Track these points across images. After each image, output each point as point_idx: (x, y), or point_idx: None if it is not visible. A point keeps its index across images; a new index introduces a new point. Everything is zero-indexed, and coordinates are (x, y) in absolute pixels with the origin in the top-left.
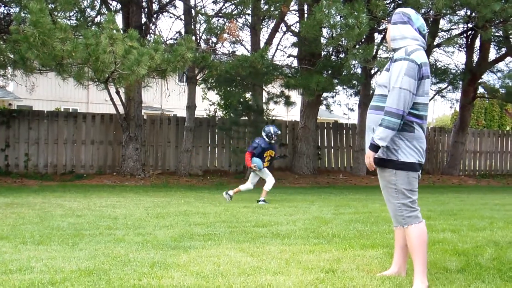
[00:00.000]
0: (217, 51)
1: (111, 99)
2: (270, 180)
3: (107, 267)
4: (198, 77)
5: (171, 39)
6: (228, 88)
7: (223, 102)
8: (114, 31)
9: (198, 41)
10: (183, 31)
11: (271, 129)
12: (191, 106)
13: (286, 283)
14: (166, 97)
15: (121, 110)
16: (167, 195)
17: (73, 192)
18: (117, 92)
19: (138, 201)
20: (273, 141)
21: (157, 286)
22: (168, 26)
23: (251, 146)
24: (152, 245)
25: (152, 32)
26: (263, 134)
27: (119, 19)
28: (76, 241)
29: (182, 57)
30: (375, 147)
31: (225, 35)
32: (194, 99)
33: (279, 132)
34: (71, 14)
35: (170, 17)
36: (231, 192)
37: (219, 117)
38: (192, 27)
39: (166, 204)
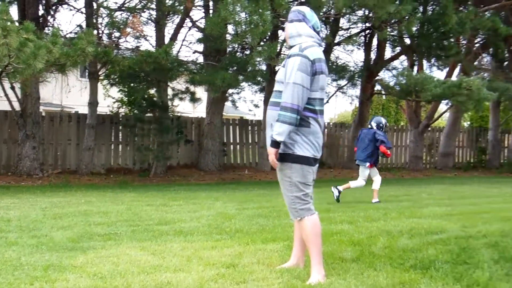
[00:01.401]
0: (120, 46)
1: (6, 95)
2: (378, 179)
3: None
4: (100, 73)
5: (71, 32)
6: (132, 84)
7: (126, 98)
8: (8, 23)
9: (100, 35)
10: (84, 25)
11: (383, 120)
12: (93, 103)
13: (186, 280)
14: (66, 93)
15: (17, 106)
16: (66, 195)
17: None
18: (12, 88)
19: (34, 202)
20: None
21: None
22: (68, 19)
23: (386, 139)
24: (48, 248)
25: (51, 25)
26: (374, 125)
27: (14, 10)
28: None
29: (83, 51)
30: (275, 143)
31: (129, 30)
32: (96, 95)
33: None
34: None
35: (70, 9)
36: (341, 188)
37: (123, 113)
38: (94, 20)
39: (65, 204)
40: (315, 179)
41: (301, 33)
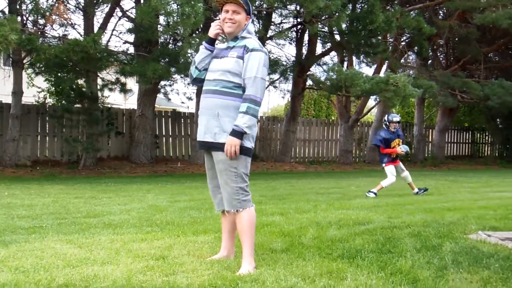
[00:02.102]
0: (46, 34)
1: None
2: (390, 179)
3: None
4: (25, 61)
5: None
6: (59, 74)
7: (54, 88)
8: None
9: (24, 22)
10: (7, 11)
11: (386, 116)
12: (17, 92)
13: (114, 272)
14: None
15: None
16: None
17: None
18: None
19: None
20: (393, 129)
21: None
22: None
23: (378, 140)
24: None
25: None
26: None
27: None
28: None
29: (6, 38)
30: (241, 135)
31: (54, 17)
32: (21, 84)
33: (394, 118)
34: None
35: None
36: (375, 190)
37: (50, 104)
38: (18, 6)
39: None
40: None
41: (251, 33)
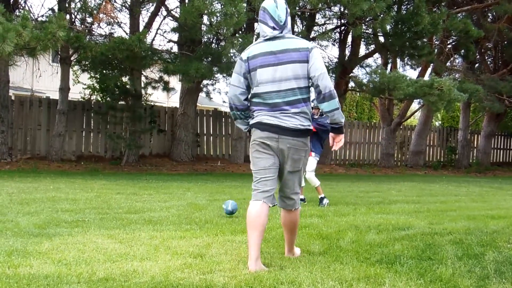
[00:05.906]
0: (93, 32)
1: None
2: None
3: None
4: (72, 58)
5: (43, 16)
6: (105, 71)
7: (98, 85)
8: None
9: (73, 20)
10: (56, 9)
11: None
12: (64, 88)
13: (153, 269)
14: (37, 77)
15: None
16: (35, 181)
17: None
18: None
19: (1, 187)
20: (315, 116)
21: (12, 275)
22: (40, 2)
23: None
24: (13, 233)
25: (22, 8)
26: None
27: None
28: None
29: (54, 35)
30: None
31: (101, 16)
32: (68, 80)
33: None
34: None
35: None
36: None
37: (95, 100)
38: (66, 5)
39: (33, 190)
40: None
41: None
